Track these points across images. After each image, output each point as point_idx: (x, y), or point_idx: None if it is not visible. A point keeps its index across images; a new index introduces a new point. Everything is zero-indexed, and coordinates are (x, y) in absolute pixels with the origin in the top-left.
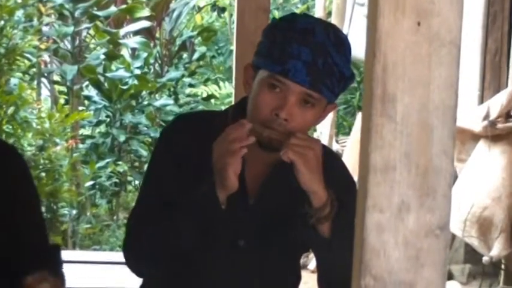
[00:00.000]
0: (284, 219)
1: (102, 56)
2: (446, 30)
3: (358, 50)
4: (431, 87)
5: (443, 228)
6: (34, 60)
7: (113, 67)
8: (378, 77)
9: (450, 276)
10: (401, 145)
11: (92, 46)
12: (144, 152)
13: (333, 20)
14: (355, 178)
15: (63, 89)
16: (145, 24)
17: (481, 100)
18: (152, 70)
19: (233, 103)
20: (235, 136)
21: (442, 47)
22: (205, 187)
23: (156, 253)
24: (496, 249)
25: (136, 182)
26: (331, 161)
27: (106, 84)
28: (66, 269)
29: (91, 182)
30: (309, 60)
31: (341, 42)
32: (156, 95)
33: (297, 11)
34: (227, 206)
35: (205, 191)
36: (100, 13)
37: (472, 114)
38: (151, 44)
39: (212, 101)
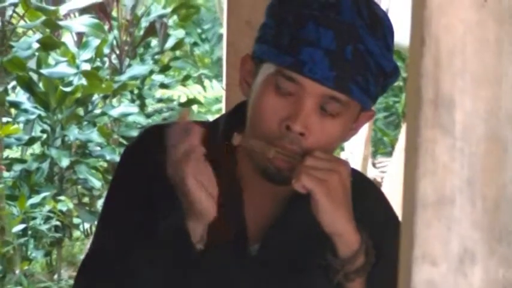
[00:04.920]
0: (298, 275)
1: (36, 45)
2: None
3: (402, 33)
4: (503, 86)
5: None
6: None
7: (51, 60)
8: (427, 72)
9: None
10: (462, 169)
11: (20, 30)
12: (96, 183)
13: None
14: (400, 216)
15: None
16: None
17: None
18: (107, 64)
19: (224, 111)
20: (181, 131)
21: None
22: (170, 219)
23: None
24: None
25: (86, 226)
26: (364, 191)
27: (41, 85)
28: None
29: (21, 226)
30: (333, 47)
31: (378, 22)
32: (113, 100)
33: None
34: (218, 257)
35: (170, 224)
36: None
37: None
38: (106, 27)
39: (194, 107)
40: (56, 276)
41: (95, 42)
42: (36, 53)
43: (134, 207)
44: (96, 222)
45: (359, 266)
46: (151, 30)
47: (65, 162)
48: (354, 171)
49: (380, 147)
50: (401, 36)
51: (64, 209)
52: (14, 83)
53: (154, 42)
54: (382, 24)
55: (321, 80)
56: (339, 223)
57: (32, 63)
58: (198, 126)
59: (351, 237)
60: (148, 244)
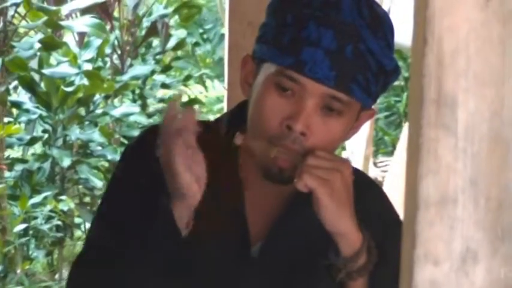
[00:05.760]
0: (301, 275)
1: (37, 45)
2: None
3: (404, 33)
4: (506, 86)
5: None
6: None
7: (53, 60)
8: (430, 72)
9: None
10: (465, 168)
11: (22, 30)
12: (98, 182)
13: None
14: (401, 216)
15: None
16: None
17: None
18: (109, 64)
19: (226, 110)
20: (170, 114)
21: None
22: (160, 204)
23: None
24: None
25: (88, 225)
26: (365, 190)
27: (43, 85)
28: None
29: (22, 226)
30: (333, 47)
31: (379, 20)
32: (115, 100)
33: None
34: (220, 257)
35: (159, 209)
36: None
37: None
38: (108, 27)
39: (196, 107)
40: (57, 276)
41: (97, 42)
42: (38, 53)
43: (134, 205)
44: None
45: (361, 265)
46: (153, 30)
47: (66, 162)
48: (356, 171)
49: (381, 146)
50: (403, 36)
51: (65, 208)
52: (15, 83)
53: (155, 42)
54: (382, 23)
55: (321, 79)
56: (341, 222)
57: (33, 63)
58: (192, 109)
59: (353, 236)
60: (145, 240)
